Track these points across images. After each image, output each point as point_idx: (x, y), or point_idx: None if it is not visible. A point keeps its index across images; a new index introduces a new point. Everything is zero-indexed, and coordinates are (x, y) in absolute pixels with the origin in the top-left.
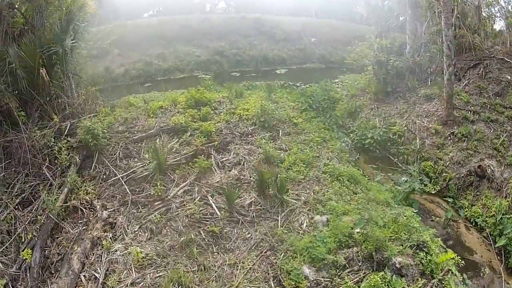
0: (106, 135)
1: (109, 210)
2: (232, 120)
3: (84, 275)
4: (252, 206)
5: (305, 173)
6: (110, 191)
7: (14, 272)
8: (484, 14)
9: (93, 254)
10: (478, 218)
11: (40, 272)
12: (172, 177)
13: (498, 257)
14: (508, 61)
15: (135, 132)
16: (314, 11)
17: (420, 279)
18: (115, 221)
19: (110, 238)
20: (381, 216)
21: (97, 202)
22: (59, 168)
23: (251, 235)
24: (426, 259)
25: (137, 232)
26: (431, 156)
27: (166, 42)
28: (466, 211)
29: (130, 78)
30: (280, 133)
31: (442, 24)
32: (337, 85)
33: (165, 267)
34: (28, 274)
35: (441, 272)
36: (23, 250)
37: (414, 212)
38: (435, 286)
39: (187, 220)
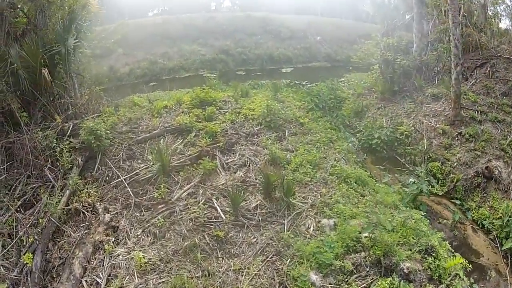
0: (109, 135)
1: (112, 213)
2: (237, 120)
3: (86, 280)
4: (258, 209)
5: (312, 175)
6: (113, 194)
7: (15, 276)
8: (489, 13)
9: (95, 258)
10: (485, 220)
11: (42, 277)
12: (176, 179)
13: (504, 260)
14: None
15: (139, 133)
16: (319, 9)
17: (428, 284)
18: (117, 224)
19: (113, 242)
20: (389, 220)
21: (100, 204)
22: (61, 170)
23: (256, 239)
24: (434, 264)
25: (140, 236)
26: (438, 157)
27: (171, 41)
28: (473, 213)
29: (135, 77)
30: (286, 133)
31: (449, 23)
32: (343, 84)
33: (168, 273)
34: (29, 279)
35: (449, 277)
36: (24, 254)
37: (422, 215)
38: None
39: (191, 223)
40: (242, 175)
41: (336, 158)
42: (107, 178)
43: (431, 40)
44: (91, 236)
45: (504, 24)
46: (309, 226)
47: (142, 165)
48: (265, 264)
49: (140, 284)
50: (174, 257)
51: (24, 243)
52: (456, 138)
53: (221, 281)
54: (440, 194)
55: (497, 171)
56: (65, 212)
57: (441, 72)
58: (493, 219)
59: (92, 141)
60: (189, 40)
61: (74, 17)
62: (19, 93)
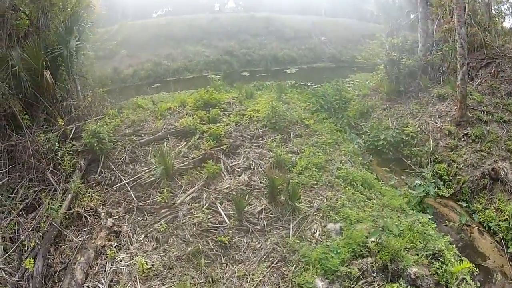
0: (112, 138)
1: (114, 217)
2: (242, 122)
3: (88, 286)
4: (263, 213)
5: (317, 178)
6: (115, 197)
7: (16, 281)
8: (493, 12)
9: (97, 264)
10: (491, 222)
11: (43, 282)
12: (180, 182)
13: (510, 262)
14: None
15: (142, 135)
16: (323, 9)
17: None
18: (120, 229)
19: (115, 247)
20: (396, 224)
21: (102, 209)
22: (63, 174)
23: (261, 245)
24: (441, 269)
25: (142, 241)
26: (444, 158)
27: (174, 42)
28: (480, 215)
29: (139, 78)
30: (292, 135)
31: (455, 22)
32: (348, 84)
33: (171, 279)
34: (30, 284)
35: (456, 281)
36: (26, 259)
37: (429, 218)
38: None
39: (194, 228)
40: (247, 179)
41: (342, 161)
42: (110, 181)
43: (436, 39)
44: (93, 241)
45: (508, 23)
46: (315, 231)
47: (145, 168)
48: (270, 270)
49: None
50: (177, 262)
51: (26, 248)
52: (462, 139)
53: (224, 287)
54: (447, 196)
55: (503, 172)
56: (67, 216)
57: (446, 72)
58: (499, 221)
59: (95, 144)
60: (193, 41)
61: (76, 19)
62: (21, 95)
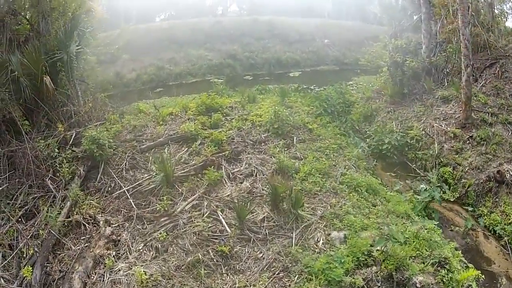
0: (112, 144)
1: (113, 225)
2: (244, 127)
3: None
4: (265, 222)
5: (321, 184)
6: (115, 205)
7: None
8: (496, 11)
9: (95, 273)
10: (497, 226)
11: None
12: (180, 190)
13: None
14: None
15: (143, 141)
16: (326, 11)
17: None
18: (118, 238)
19: (113, 256)
20: (401, 231)
21: (101, 216)
22: (62, 180)
23: (263, 254)
24: (447, 277)
25: (141, 250)
26: (449, 162)
27: (177, 46)
28: (485, 219)
29: (141, 83)
30: (295, 140)
31: (459, 23)
32: (351, 87)
33: None
34: None
35: None
36: (24, 266)
37: (435, 224)
38: None
39: (195, 237)
40: (249, 186)
41: (346, 166)
42: (110, 188)
43: (440, 40)
44: (91, 250)
45: (510, 22)
46: (318, 240)
47: (146, 175)
48: (271, 280)
49: None
50: (176, 273)
51: (25, 255)
52: (467, 142)
53: None
54: (452, 200)
55: (508, 174)
56: (65, 224)
57: (450, 73)
58: (505, 224)
59: (95, 151)
60: (196, 45)
61: (76, 24)
62: (22, 101)
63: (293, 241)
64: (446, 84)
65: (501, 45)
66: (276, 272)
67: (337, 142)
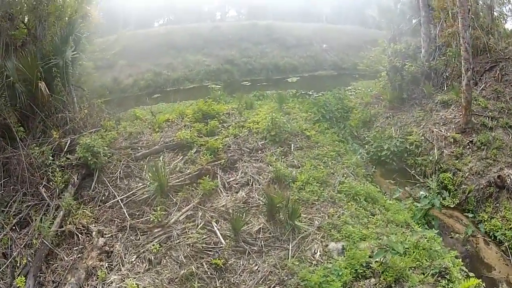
0: (107, 152)
1: (106, 236)
2: (240, 135)
3: None
4: (261, 233)
5: (319, 193)
6: (108, 214)
7: None
8: (495, 14)
9: (88, 285)
10: (497, 231)
11: None
12: (175, 199)
13: None
14: None
15: (139, 148)
16: (324, 16)
17: None
18: (111, 249)
19: (106, 268)
20: (401, 241)
21: (94, 227)
22: (56, 189)
23: (258, 267)
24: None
25: (134, 262)
26: (449, 167)
27: (175, 51)
28: (486, 225)
29: (138, 88)
30: (292, 148)
31: (459, 26)
32: (350, 92)
33: None
34: None
35: None
36: (18, 276)
37: (435, 233)
38: None
39: (188, 249)
40: (245, 195)
41: (345, 174)
42: (103, 197)
43: (439, 44)
44: (84, 261)
45: (509, 24)
46: (316, 251)
47: (140, 184)
48: None
49: None
50: (169, 285)
51: (18, 264)
52: (468, 147)
53: None
54: (452, 206)
55: (509, 179)
56: (58, 234)
57: (450, 77)
58: (506, 230)
59: (89, 158)
60: (194, 50)
61: (72, 29)
62: (17, 107)
63: (290, 253)
64: (445, 88)
65: (501, 48)
66: (272, 286)
67: (335, 149)
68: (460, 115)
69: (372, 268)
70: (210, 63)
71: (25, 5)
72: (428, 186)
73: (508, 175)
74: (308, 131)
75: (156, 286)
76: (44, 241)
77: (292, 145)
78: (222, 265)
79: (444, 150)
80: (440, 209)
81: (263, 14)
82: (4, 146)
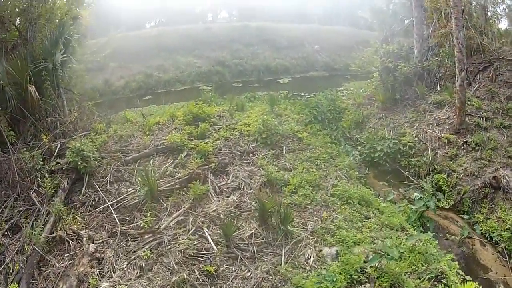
0: (97, 156)
1: (97, 242)
2: (231, 137)
3: None
4: (253, 238)
5: (311, 197)
6: (99, 220)
7: None
8: (488, 14)
9: None
10: (493, 232)
11: None
12: (165, 205)
13: None
14: None
15: (129, 152)
16: (316, 17)
17: None
18: (102, 255)
19: (97, 275)
20: (396, 245)
21: (85, 232)
22: (47, 194)
23: (251, 273)
24: None
25: (125, 269)
26: (444, 168)
27: (166, 53)
28: (481, 226)
29: (130, 90)
30: (284, 150)
31: (453, 26)
32: (342, 93)
33: None
34: None
35: None
36: (11, 283)
37: (431, 236)
38: None
39: (180, 255)
40: (236, 200)
41: (338, 176)
42: (94, 202)
43: (432, 45)
44: (75, 268)
45: (503, 24)
46: (309, 257)
47: (130, 188)
48: None
49: None
50: None
51: (11, 271)
52: (462, 148)
53: None
54: (447, 207)
55: (504, 180)
56: (49, 240)
57: (443, 77)
58: (502, 230)
59: (79, 163)
60: (185, 52)
61: (61, 31)
62: (8, 111)
63: (283, 258)
64: (439, 88)
65: (495, 48)
66: None
67: (327, 151)
68: (454, 115)
69: (367, 274)
70: (201, 65)
71: (16, 7)
72: (423, 188)
73: (503, 176)
74: (300, 133)
75: None
76: (36, 247)
77: (284, 147)
78: (214, 272)
79: (438, 151)
80: (435, 210)
81: (254, 15)
82: None
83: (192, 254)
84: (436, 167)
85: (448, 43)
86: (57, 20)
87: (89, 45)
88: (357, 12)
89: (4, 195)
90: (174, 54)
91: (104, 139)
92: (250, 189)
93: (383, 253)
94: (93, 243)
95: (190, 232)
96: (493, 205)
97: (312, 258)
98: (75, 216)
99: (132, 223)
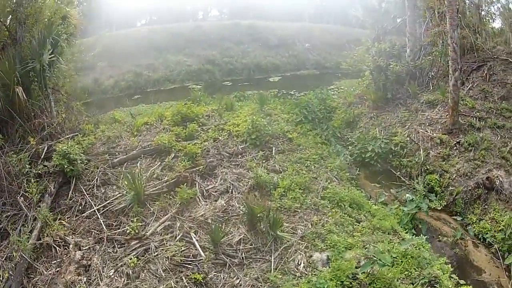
0: (83, 158)
1: (84, 248)
2: (220, 138)
3: None
4: (241, 244)
5: (301, 200)
6: (85, 225)
7: None
8: (482, 13)
9: None
10: (487, 234)
11: None
12: (152, 209)
13: (506, 273)
14: None
15: (116, 154)
16: (307, 15)
17: None
18: (89, 262)
19: (85, 282)
20: (388, 249)
21: (72, 238)
22: (34, 199)
23: (240, 281)
24: None
25: (112, 276)
26: (436, 169)
27: (156, 52)
28: (474, 227)
29: (119, 90)
30: (273, 151)
31: (447, 25)
32: (332, 91)
33: None
34: None
35: None
36: None
37: (423, 240)
38: None
39: (167, 262)
40: (224, 204)
41: (328, 178)
42: (80, 207)
43: (424, 43)
44: (62, 276)
45: (497, 24)
46: (299, 262)
47: (117, 192)
48: None
49: None
50: None
51: (1, 278)
52: (455, 148)
53: None
54: (439, 208)
55: (498, 181)
56: (37, 247)
57: (436, 77)
58: (495, 232)
59: (65, 166)
60: (175, 51)
61: (49, 31)
62: None
63: (272, 265)
64: (431, 88)
65: (489, 47)
66: None
67: (318, 152)
68: (447, 115)
69: (359, 280)
70: (191, 63)
71: (6, 7)
72: (414, 188)
73: (497, 177)
74: (290, 133)
75: None
76: (23, 255)
77: (274, 148)
78: (202, 280)
79: (430, 151)
80: (427, 212)
81: (246, 13)
82: None
83: (180, 261)
84: (428, 167)
85: (441, 42)
86: (46, 20)
87: (79, 45)
88: (349, 10)
89: None
90: (164, 52)
91: (91, 141)
92: (239, 193)
93: (375, 259)
94: (79, 249)
95: (178, 238)
96: (486, 206)
97: (302, 264)
98: (62, 221)
99: (119, 229)
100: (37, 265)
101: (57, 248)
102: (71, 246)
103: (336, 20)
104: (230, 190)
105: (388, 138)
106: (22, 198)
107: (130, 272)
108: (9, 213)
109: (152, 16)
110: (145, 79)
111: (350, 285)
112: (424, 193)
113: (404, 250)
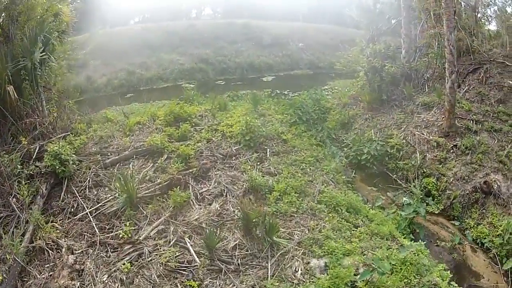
0: (75, 159)
1: (76, 252)
2: (214, 139)
3: None
4: (237, 250)
5: (297, 205)
6: (78, 228)
7: None
8: (478, 15)
9: None
10: (485, 238)
11: None
12: (145, 212)
13: (505, 279)
14: (509, 65)
15: (108, 154)
16: (301, 15)
17: None
18: (82, 267)
19: (78, 287)
20: (387, 255)
21: (64, 241)
22: (26, 200)
23: None
24: None
25: (106, 281)
26: (433, 172)
27: (150, 50)
28: (472, 231)
29: (112, 88)
30: (268, 153)
31: (444, 28)
32: (326, 92)
33: None
34: None
35: None
36: None
37: (422, 245)
38: None
39: (161, 268)
40: (218, 208)
41: (324, 181)
42: (73, 209)
43: (420, 45)
44: (55, 280)
45: (493, 26)
46: (296, 269)
47: (109, 194)
48: None
49: None
50: None
51: None
52: (452, 151)
53: None
54: (436, 212)
55: (496, 185)
56: (30, 249)
57: (431, 78)
58: (493, 236)
59: (57, 167)
60: (168, 49)
61: (41, 28)
62: None
63: (269, 272)
64: (426, 90)
65: (485, 50)
66: None
67: (313, 154)
68: (443, 118)
69: None
70: (184, 62)
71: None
72: (411, 192)
73: (494, 181)
74: (285, 135)
75: None
76: (16, 258)
77: (268, 150)
78: (197, 287)
79: (427, 154)
80: (425, 216)
81: (239, 12)
82: None
83: (174, 266)
84: (425, 170)
85: (436, 43)
86: (38, 17)
87: (71, 42)
88: (343, 10)
89: None
90: (158, 51)
91: (83, 141)
92: (233, 196)
93: (374, 267)
94: (72, 253)
95: (171, 243)
96: (484, 211)
97: (299, 271)
98: (54, 223)
99: (112, 232)
100: (31, 269)
101: (50, 251)
102: (63, 249)
103: (330, 20)
104: (225, 194)
105: (384, 140)
106: (14, 199)
107: (124, 278)
108: (1, 215)
109: (145, 14)
110: (138, 77)
111: None
112: (421, 196)
113: (403, 257)
